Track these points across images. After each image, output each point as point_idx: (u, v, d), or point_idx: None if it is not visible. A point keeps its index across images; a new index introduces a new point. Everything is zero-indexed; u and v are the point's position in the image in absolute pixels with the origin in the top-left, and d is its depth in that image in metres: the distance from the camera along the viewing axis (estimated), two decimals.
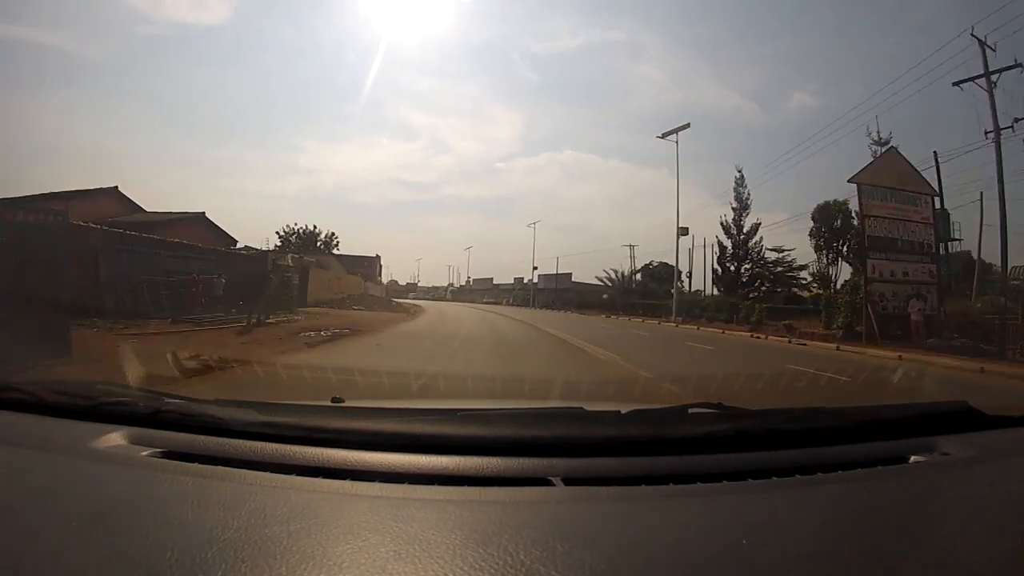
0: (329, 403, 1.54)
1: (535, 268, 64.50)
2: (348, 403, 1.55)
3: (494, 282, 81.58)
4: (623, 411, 1.27)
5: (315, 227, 47.10)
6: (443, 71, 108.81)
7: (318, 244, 45.67)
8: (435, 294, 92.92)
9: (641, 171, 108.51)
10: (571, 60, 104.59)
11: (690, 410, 1.29)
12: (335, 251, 46.24)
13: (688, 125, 33.60)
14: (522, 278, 73.95)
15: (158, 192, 67.93)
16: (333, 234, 48.44)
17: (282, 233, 45.54)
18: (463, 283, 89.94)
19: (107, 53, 69.38)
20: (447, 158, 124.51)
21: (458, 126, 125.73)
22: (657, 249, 50.73)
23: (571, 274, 61.61)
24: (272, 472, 0.95)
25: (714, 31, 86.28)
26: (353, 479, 0.92)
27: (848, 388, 7.42)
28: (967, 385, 8.46)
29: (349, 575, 0.65)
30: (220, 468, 0.95)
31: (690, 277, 39.09)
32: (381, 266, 62.34)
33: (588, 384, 6.29)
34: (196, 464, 0.97)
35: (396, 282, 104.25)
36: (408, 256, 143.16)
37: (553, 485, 0.93)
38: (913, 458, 1.10)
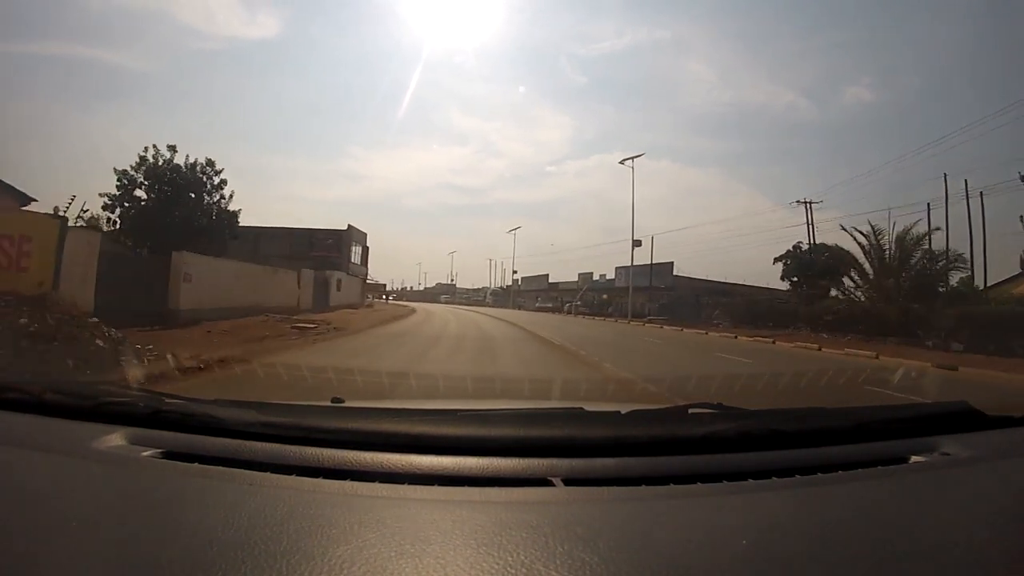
0: (329, 403, 1.53)
1: (637, 243, 36.45)
2: (348, 403, 1.55)
3: (550, 280, 65.60)
4: (623, 411, 1.27)
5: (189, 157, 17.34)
6: (492, 76, 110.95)
7: (204, 203, 17.30)
8: (474, 297, 79.49)
9: (689, 171, 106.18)
10: (619, 61, 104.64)
11: (690, 410, 1.29)
12: (227, 207, 17.90)
13: None
14: (590, 274, 57.98)
15: None
16: (223, 183, 18.02)
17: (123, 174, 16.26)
18: (510, 282, 73.66)
19: (162, 68, 70.17)
20: (497, 162, 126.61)
21: (508, 130, 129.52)
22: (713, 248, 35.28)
23: (672, 264, 41.88)
24: (272, 472, 0.94)
25: (762, 25, 76.76)
26: (353, 479, 0.92)
27: None
28: None
29: (349, 575, 0.64)
30: (220, 468, 0.95)
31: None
32: (366, 247, 41.02)
33: (588, 384, 6.32)
34: (196, 464, 0.97)
35: (441, 284, 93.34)
36: (458, 260, 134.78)
37: (553, 485, 0.93)
38: (913, 458, 1.10)
